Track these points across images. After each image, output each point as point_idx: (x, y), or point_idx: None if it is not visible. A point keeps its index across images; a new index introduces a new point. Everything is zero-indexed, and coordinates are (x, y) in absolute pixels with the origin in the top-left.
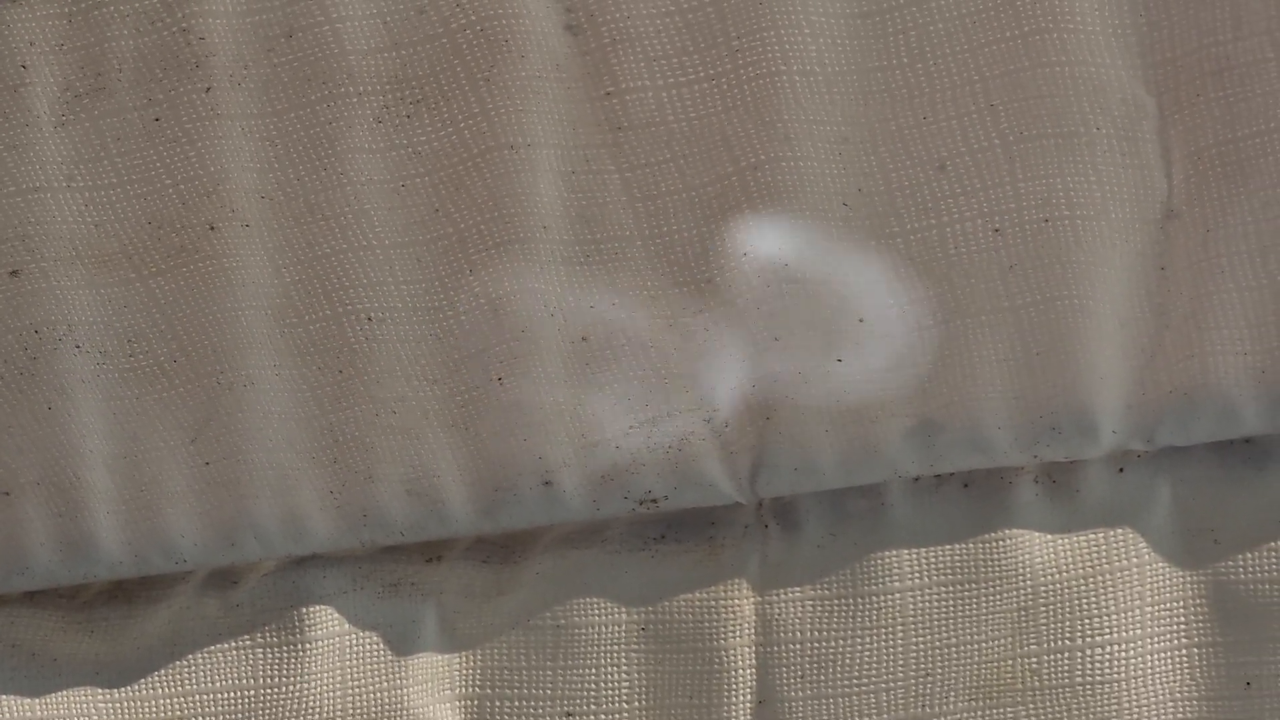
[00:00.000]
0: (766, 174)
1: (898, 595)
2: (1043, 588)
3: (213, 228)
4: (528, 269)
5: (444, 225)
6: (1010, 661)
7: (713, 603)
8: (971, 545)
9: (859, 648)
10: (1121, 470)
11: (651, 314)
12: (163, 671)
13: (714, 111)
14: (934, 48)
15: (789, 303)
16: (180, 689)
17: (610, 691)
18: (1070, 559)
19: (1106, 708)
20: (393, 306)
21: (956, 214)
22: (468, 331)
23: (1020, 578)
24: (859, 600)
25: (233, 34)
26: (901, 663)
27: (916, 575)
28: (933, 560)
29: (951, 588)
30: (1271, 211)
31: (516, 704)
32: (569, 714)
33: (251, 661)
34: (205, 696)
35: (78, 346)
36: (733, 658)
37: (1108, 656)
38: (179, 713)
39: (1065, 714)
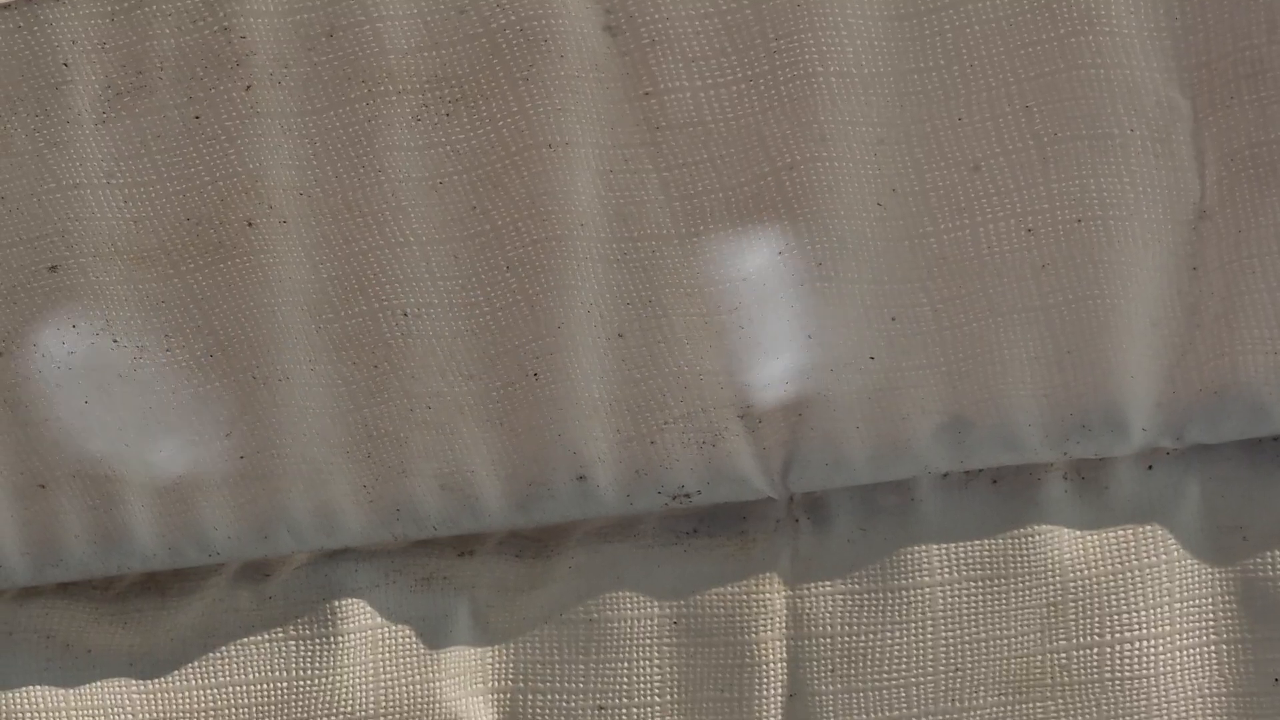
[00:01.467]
0: (802, 174)
1: (927, 590)
2: (1071, 584)
3: (251, 224)
4: (565, 266)
5: (481, 222)
6: (1039, 657)
7: (744, 597)
8: (1000, 541)
9: (889, 642)
10: (1150, 468)
11: (687, 311)
12: (195, 663)
13: (751, 112)
14: (970, 50)
15: (822, 301)
16: (213, 680)
17: (642, 685)
18: (1099, 555)
19: (1135, 703)
20: (429, 302)
21: (990, 214)
22: (504, 327)
23: (1049, 574)
24: (889, 595)
25: (273, 33)
26: (931, 657)
27: (946, 570)
28: (962, 556)
29: (981, 583)
30: None
31: (549, 697)
32: (601, 707)
33: (284, 654)
34: (237, 688)
35: (115, 341)
36: (764, 651)
37: (1136, 652)
38: (211, 704)
39: (1094, 709)
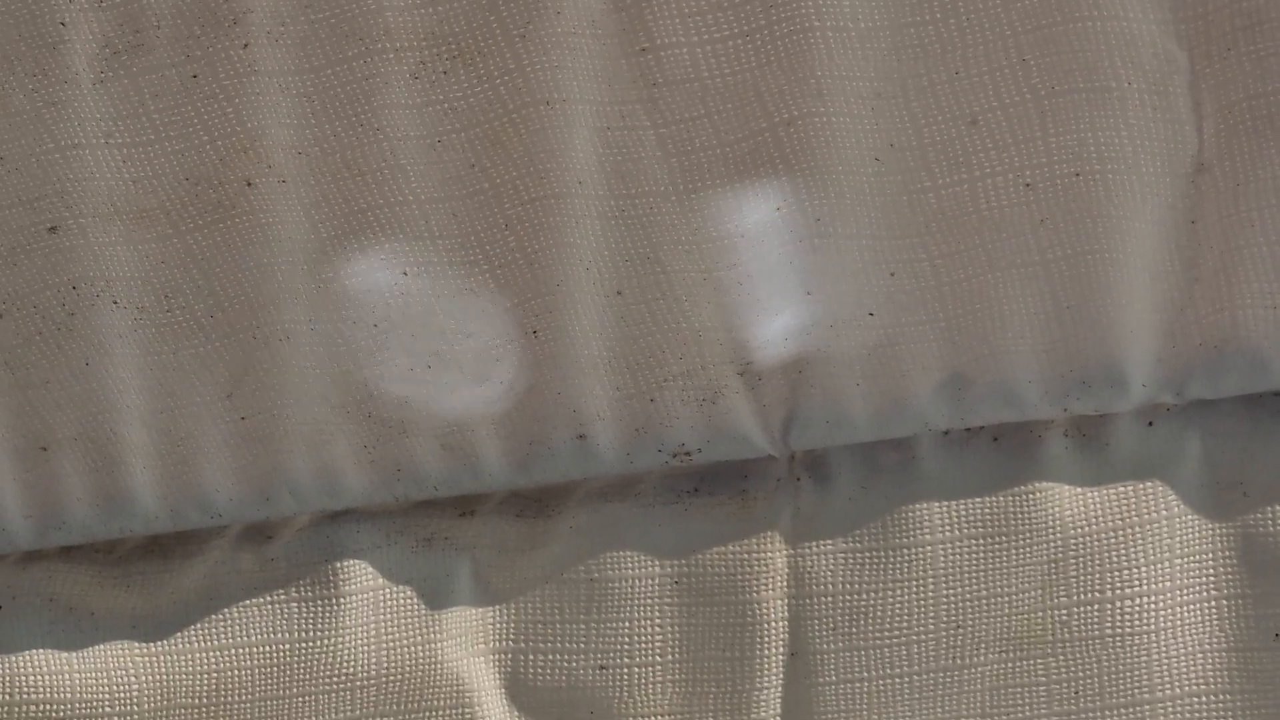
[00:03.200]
0: (799, 129)
1: (928, 548)
2: (1072, 540)
3: (250, 184)
4: (563, 224)
5: (480, 181)
6: (1040, 614)
7: (745, 555)
8: (1001, 498)
9: (890, 600)
10: (1151, 423)
11: (685, 268)
12: (198, 625)
13: (748, 67)
14: (966, 3)
15: (821, 257)
16: (216, 643)
17: (643, 644)
18: (1100, 512)
19: (1135, 659)
20: (429, 261)
21: (988, 168)
22: (503, 285)
23: (1050, 531)
24: (890, 553)
25: None
26: (932, 615)
27: (947, 528)
28: (963, 513)
29: (982, 540)
30: None
31: (550, 657)
32: (602, 667)
33: (286, 616)
34: (240, 650)
35: (115, 302)
36: (765, 610)
37: (1137, 609)
38: (214, 665)
39: (1094, 665)
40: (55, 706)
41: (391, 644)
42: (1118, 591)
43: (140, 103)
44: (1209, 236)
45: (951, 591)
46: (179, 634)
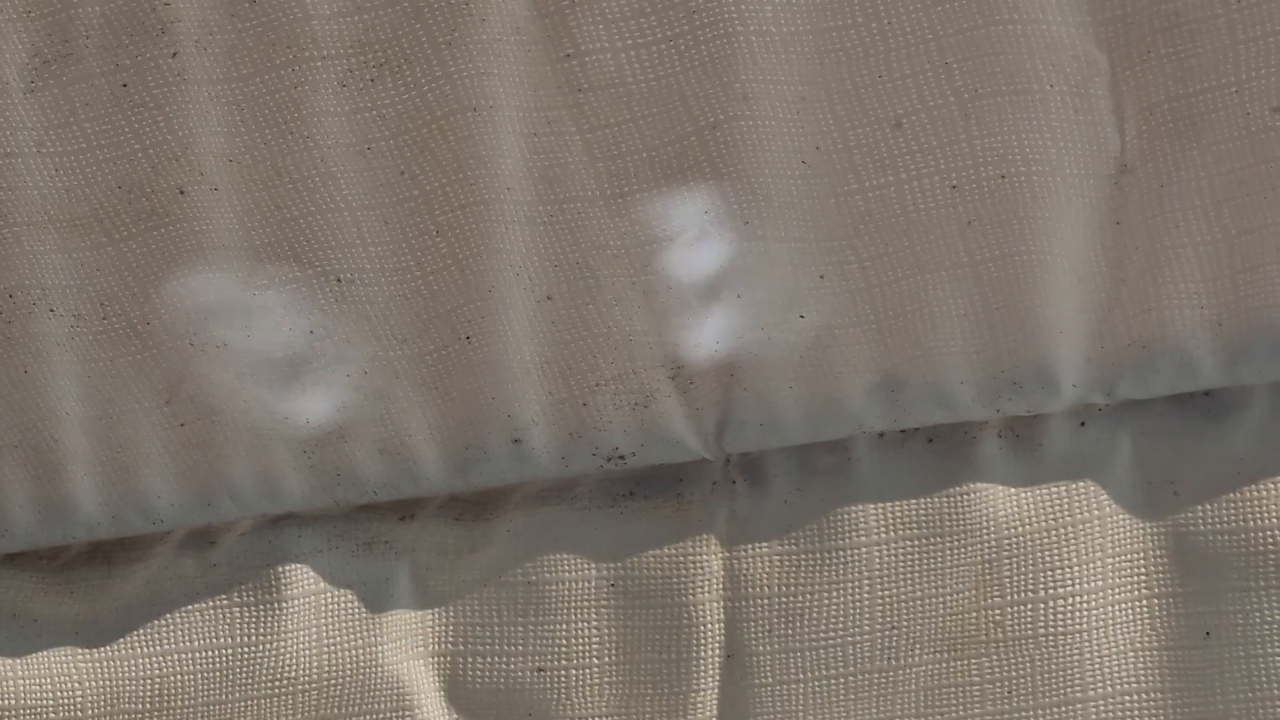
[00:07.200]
0: (725, 133)
1: (864, 550)
2: (1006, 541)
3: (182, 191)
4: (493, 230)
5: (410, 187)
6: (974, 614)
7: (681, 558)
8: (936, 499)
9: (826, 602)
10: (1083, 424)
11: (614, 272)
12: (141, 631)
13: (672, 72)
14: (888, 7)
15: (750, 260)
16: (159, 648)
17: (580, 646)
18: (1033, 512)
19: (1069, 658)
20: (361, 268)
21: (914, 171)
22: (435, 292)
23: (984, 531)
24: (826, 555)
25: None
26: (868, 616)
27: (882, 530)
28: (898, 515)
29: (917, 542)
30: (1224, 166)
31: (488, 659)
32: (540, 669)
33: (229, 620)
34: (183, 655)
35: (52, 310)
36: (701, 612)
37: (1070, 608)
38: (158, 671)
39: (1028, 665)
40: None
41: (332, 647)
42: (1051, 591)
43: (71, 112)
44: (1134, 237)
45: (886, 592)
46: (122, 639)
